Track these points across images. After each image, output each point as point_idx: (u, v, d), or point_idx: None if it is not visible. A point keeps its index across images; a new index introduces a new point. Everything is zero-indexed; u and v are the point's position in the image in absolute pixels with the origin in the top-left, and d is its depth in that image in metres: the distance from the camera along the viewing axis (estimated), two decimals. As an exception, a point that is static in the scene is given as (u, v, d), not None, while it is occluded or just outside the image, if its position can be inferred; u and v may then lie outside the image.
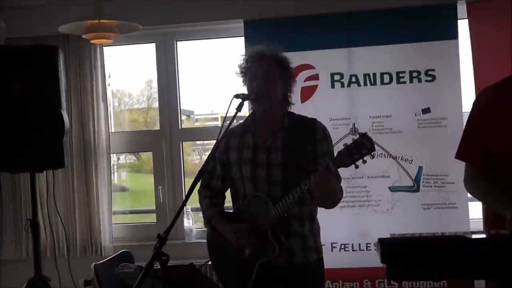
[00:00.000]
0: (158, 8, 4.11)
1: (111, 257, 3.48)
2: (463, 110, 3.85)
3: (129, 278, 2.47)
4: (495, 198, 2.37)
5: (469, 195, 3.80)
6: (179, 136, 4.40)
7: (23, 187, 4.18)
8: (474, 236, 1.99)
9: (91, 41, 3.52)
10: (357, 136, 2.27)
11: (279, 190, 2.47)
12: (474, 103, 2.59)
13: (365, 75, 3.94)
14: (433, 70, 3.87)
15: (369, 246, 3.92)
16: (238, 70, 2.63)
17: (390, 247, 1.93)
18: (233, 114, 2.45)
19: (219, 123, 5.05)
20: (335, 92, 3.94)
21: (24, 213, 4.20)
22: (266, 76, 2.52)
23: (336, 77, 3.95)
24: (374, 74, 3.93)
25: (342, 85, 3.96)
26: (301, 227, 2.53)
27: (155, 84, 4.44)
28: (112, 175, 4.27)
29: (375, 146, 2.25)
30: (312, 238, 2.57)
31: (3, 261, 4.26)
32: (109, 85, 4.33)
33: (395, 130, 3.89)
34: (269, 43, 2.61)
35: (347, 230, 3.92)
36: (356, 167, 2.26)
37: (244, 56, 2.64)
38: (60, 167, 3.38)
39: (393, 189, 3.90)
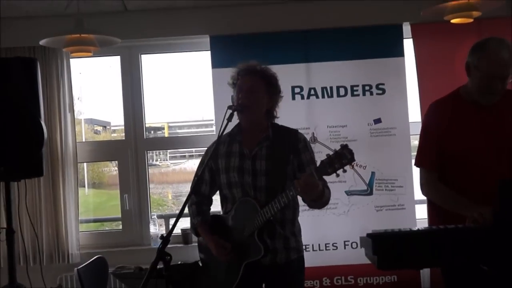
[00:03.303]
0: (126, 22, 4.25)
1: (88, 262, 3.56)
2: (410, 120, 4.27)
3: (128, 278, 2.59)
4: (454, 200, 2.65)
5: (416, 197, 4.27)
6: (144, 146, 4.54)
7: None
8: (449, 228, 2.31)
9: (72, 54, 3.61)
10: (339, 147, 2.46)
11: (264, 195, 2.67)
12: (427, 115, 2.90)
13: (322, 88, 4.27)
14: (383, 84, 4.26)
15: (328, 246, 4.25)
16: (230, 82, 2.83)
17: (380, 240, 2.21)
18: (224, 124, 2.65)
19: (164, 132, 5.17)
20: (296, 104, 4.23)
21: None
22: (251, 89, 2.72)
23: (297, 90, 4.26)
24: (331, 87, 4.27)
25: (302, 97, 4.27)
26: (283, 229, 2.74)
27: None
28: (78, 185, 4.33)
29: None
30: (294, 239, 2.78)
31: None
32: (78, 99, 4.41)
33: (350, 138, 4.22)
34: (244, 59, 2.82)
35: (308, 232, 4.18)
36: (337, 175, 2.46)
37: (235, 69, 2.82)
38: (39, 175, 3.46)
39: (349, 193, 4.24)
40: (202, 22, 4.24)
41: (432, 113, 2.87)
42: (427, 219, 4.09)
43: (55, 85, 4.23)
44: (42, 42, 3.43)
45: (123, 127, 5.23)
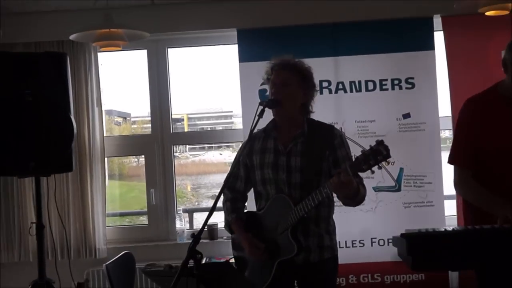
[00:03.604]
0: (153, 16, 4.24)
1: (116, 257, 3.58)
2: (440, 115, 4.19)
3: (159, 276, 2.58)
4: (488, 198, 2.59)
5: (444, 193, 4.20)
6: (170, 140, 4.54)
7: (16, 190, 4.22)
8: (485, 228, 2.26)
9: (101, 49, 3.62)
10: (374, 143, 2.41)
11: (298, 192, 2.64)
12: (463, 111, 2.83)
13: (350, 82, 4.21)
14: (413, 78, 4.18)
15: (355, 243, 4.20)
16: (264, 77, 2.79)
17: (414, 240, 2.17)
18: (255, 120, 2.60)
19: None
20: (324, 98, 4.17)
21: (18, 217, 4.23)
22: (283, 84, 2.68)
23: (324, 84, 4.20)
24: (359, 82, 4.20)
25: (330, 92, 4.22)
26: (318, 227, 2.70)
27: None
28: (105, 180, 4.35)
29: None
30: (328, 237, 2.74)
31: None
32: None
33: (379, 134, 4.15)
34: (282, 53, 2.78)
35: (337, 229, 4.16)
36: (372, 172, 2.43)
37: (269, 64, 2.77)
38: (69, 170, 3.46)
39: (376, 189, 4.18)
40: (229, 16, 4.21)
41: (468, 110, 2.80)
42: (456, 216, 4.12)
43: (83, 80, 4.24)
44: (72, 37, 3.43)
45: (143, 118, 5.25)
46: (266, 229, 2.72)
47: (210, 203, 7.96)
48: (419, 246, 2.16)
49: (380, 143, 2.38)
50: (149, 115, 4.58)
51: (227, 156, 7.83)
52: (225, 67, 4.69)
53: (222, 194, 2.84)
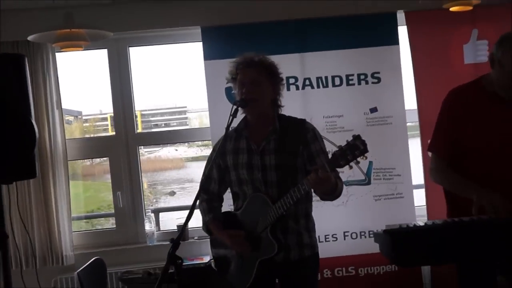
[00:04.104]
0: (114, 14, 4.11)
1: (87, 264, 3.46)
2: (406, 108, 4.24)
3: (137, 284, 2.51)
4: (463, 183, 2.59)
5: (413, 183, 4.25)
6: (135, 141, 4.42)
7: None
8: (465, 221, 2.27)
9: (61, 49, 3.47)
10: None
11: (275, 191, 2.61)
12: (446, 102, 2.78)
13: (317, 78, 4.20)
14: (379, 73, 4.21)
15: (328, 238, 4.21)
16: (228, 77, 2.74)
17: (398, 237, 2.17)
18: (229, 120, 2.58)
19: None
20: (291, 95, 4.14)
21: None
22: (252, 82, 2.64)
23: (291, 81, 4.18)
24: (326, 77, 4.20)
25: (297, 88, 4.20)
26: (297, 224, 2.68)
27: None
28: (69, 184, 4.20)
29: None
30: (307, 234, 2.73)
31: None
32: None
33: (347, 128, 4.17)
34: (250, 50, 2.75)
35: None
36: (350, 167, 2.41)
37: (233, 63, 2.73)
38: (32, 177, 3.28)
39: (347, 183, 4.17)
40: (193, 13, 4.12)
41: (450, 101, 2.77)
42: (425, 206, 4.18)
43: (41, 81, 4.08)
44: (31, 38, 3.28)
45: (95, 116, 5.10)
46: (245, 228, 2.68)
47: (168, 200, 7.90)
48: (403, 242, 2.16)
49: (357, 137, 2.38)
50: (101, 113, 4.45)
51: (183, 151, 7.75)
52: (184, 64, 4.63)
53: (198, 195, 2.80)
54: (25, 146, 3.21)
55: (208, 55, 4.12)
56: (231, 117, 2.59)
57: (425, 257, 2.18)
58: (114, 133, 4.45)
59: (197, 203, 2.79)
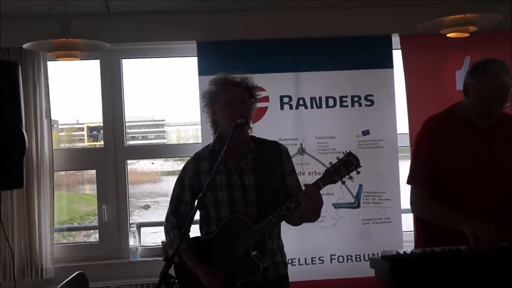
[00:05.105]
0: (109, 25, 4.05)
1: (69, 278, 3.35)
2: (398, 132, 4.24)
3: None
4: (448, 214, 2.60)
5: (402, 207, 4.24)
6: (124, 154, 4.35)
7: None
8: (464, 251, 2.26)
9: (57, 59, 3.40)
10: (342, 154, 2.41)
11: (255, 210, 2.57)
12: (421, 132, 2.85)
13: (311, 98, 4.19)
14: (372, 95, 4.21)
15: (314, 260, 4.16)
16: (207, 95, 2.69)
17: (398, 263, 2.14)
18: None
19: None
20: (284, 114, 4.14)
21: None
22: (243, 102, 2.62)
23: (285, 100, 4.17)
24: (320, 98, 4.19)
25: (291, 107, 4.18)
26: (272, 243, 2.65)
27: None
28: (54, 195, 4.10)
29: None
30: (279, 252, 2.69)
31: None
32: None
33: (339, 150, 4.08)
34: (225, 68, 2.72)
35: (295, 246, 4.10)
36: (343, 183, 2.40)
37: (212, 82, 2.69)
38: (19, 187, 3.21)
39: (336, 205, 4.17)
40: (189, 27, 4.09)
41: (426, 130, 2.83)
42: (413, 232, 4.15)
43: (31, 90, 4.00)
44: (26, 46, 3.21)
45: (72, 126, 5.02)
46: (222, 252, 2.59)
47: (142, 213, 7.79)
48: (403, 269, 2.13)
49: (349, 153, 2.40)
50: (77, 122, 4.38)
51: (159, 165, 7.68)
52: (171, 78, 4.60)
53: (165, 221, 2.74)
54: (14, 155, 3.14)
55: (203, 70, 4.07)
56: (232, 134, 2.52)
57: (424, 284, 2.14)
58: (102, 144, 4.37)
59: (165, 228, 2.74)
